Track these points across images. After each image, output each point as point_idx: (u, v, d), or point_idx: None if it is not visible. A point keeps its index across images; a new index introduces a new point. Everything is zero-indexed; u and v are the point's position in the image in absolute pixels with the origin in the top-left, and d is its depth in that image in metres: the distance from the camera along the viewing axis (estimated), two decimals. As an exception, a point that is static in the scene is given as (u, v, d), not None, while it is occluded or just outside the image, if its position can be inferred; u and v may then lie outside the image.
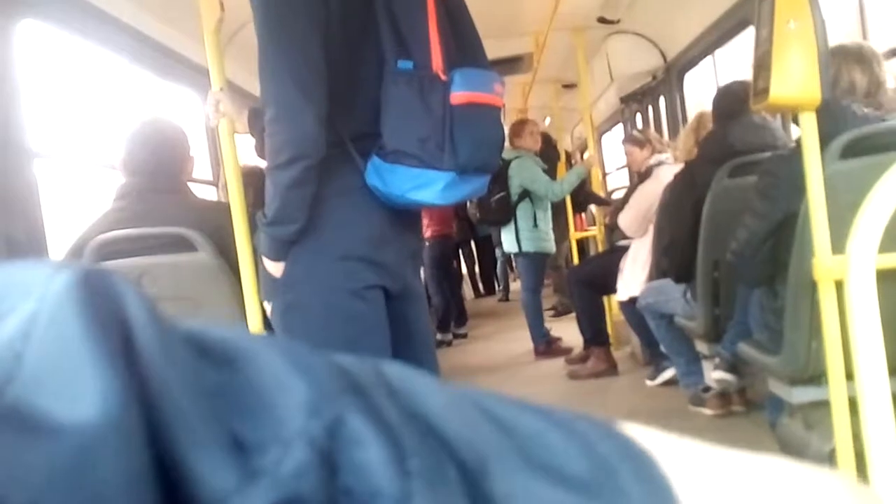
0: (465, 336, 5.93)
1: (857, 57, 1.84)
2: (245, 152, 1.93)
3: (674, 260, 2.86)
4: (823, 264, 1.57)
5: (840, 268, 1.45)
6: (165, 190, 1.93)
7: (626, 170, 5.23)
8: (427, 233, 5.40)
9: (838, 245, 1.41)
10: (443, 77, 1.37)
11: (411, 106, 1.37)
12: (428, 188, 1.38)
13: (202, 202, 2.06)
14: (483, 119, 1.41)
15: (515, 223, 4.59)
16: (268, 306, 1.51)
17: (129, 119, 2.05)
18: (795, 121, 1.67)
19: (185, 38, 2.84)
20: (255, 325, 1.76)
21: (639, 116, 5.29)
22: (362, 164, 1.41)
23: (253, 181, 2.67)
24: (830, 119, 1.72)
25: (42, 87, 2.77)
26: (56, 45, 2.40)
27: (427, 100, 1.36)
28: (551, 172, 4.83)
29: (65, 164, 2.37)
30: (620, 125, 5.91)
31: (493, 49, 4.60)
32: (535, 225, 4.59)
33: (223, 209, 1.86)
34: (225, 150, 1.80)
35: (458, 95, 1.37)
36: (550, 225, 4.70)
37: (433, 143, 1.36)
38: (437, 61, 1.38)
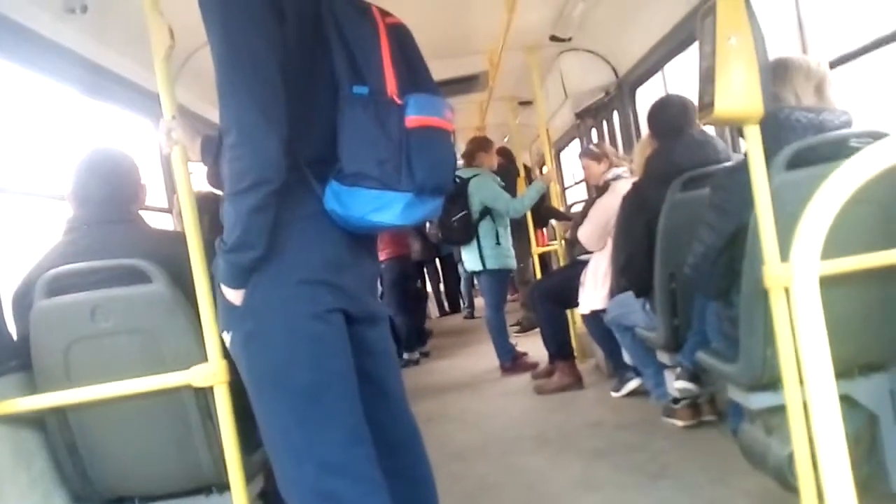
0: (427, 354, 5.93)
1: (781, 73, 1.89)
2: (199, 179, 1.91)
3: (631, 277, 2.90)
4: (773, 272, 1.61)
5: (789, 275, 1.48)
6: (117, 220, 1.89)
7: (584, 184, 5.29)
8: (383, 255, 5.39)
9: (789, 254, 1.45)
10: (398, 101, 1.40)
11: (369, 129, 1.39)
12: (388, 210, 1.39)
13: (155, 232, 2.02)
14: (437, 142, 1.44)
15: (478, 241, 4.61)
16: (227, 336, 1.48)
17: (79, 149, 2.02)
18: (741, 133, 1.71)
19: (136, 67, 2.81)
20: (213, 355, 1.73)
21: (594, 131, 5.37)
22: (319, 189, 1.42)
23: (209, 207, 2.64)
24: (773, 130, 1.77)
25: (-12, 119, 2.71)
26: (2, 76, 2.35)
27: (384, 123, 1.38)
28: (511, 188, 4.87)
29: (12, 197, 2.31)
30: (577, 140, 5.99)
31: (449, 68, 4.69)
32: (498, 242, 4.62)
33: (177, 238, 1.83)
34: (178, 178, 1.78)
35: (412, 119, 1.39)
36: (510, 241, 4.74)
37: (391, 165, 1.38)
38: (391, 86, 1.40)
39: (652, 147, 2.90)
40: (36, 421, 1.85)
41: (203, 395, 1.80)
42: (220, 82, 1.33)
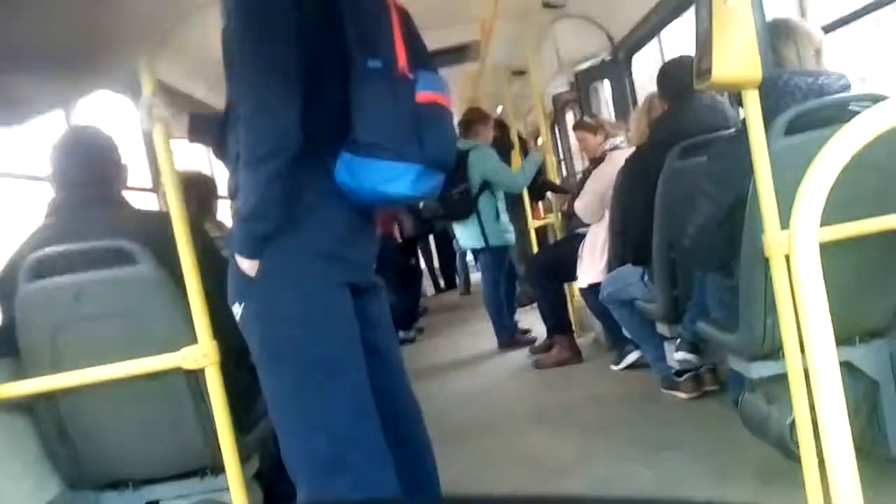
0: (421, 330, 5.94)
1: (785, 32, 1.86)
2: (183, 158, 1.87)
3: (629, 242, 2.86)
4: (773, 239, 1.58)
5: (789, 242, 1.45)
6: (98, 201, 1.85)
7: (579, 155, 5.23)
8: None
9: (789, 221, 1.42)
10: (409, 76, 1.46)
11: (383, 101, 1.43)
12: (400, 180, 1.44)
13: (139, 212, 1.98)
14: (443, 118, 1.50)
15: (478, 217, 4.49)
16: (237, 308, 1.50)
17: (57, 128, 1.97)
18: (739, 101, 1.67)
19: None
20: (203, 336, 1.70)
21: (591, 100, 5.30)
22: (330, 162, 1.45)
23: (197, 188, 2.60)
24: (773, 96, 1.73)
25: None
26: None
27: (397, 96, 1.44)
28: (505, 160, 4.80)
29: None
30: (571, 110, 5.93)
31: (439, 38, 4.60)
32: (498, 217, 4.53)
33: (162, 218, 1.80)
34: (161, 156, 1.74)
35: (423, 94, 1.46)
36: (508, 216, 4.66)
37: (403, 137, 1.43)
38: (402, 61, 1.46)
39: (658, 110, 2.85)
40: (26, 407, 1.83)
41: (194, 377, 1.77)
42: (239, 52, 1.37)
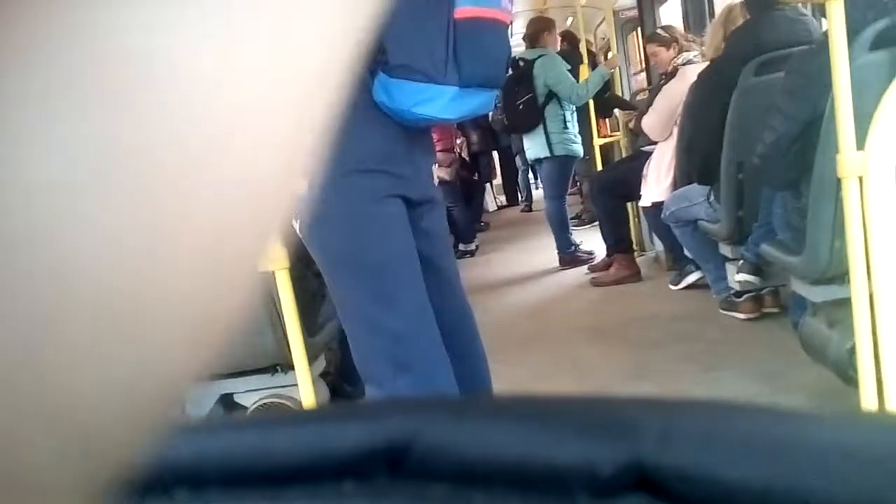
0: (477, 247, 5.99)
1: None
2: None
3: (696, 160, 2.80)
4: (847, 160, 1.53)
5: (864, 164, 1.41)
6: None
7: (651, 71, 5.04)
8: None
9: (866, 142, 1.37)
10: None
11: (417, 19, 1.38)
12: (433, 102, 1.40)
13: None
14: (488, 35, 1.43)
15: (544, 125, 4.41)
16: (295, 224, 1.54)
17: None
18: (823, 13, 1.59)
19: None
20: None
21: (662, 14, 5.06)
22: (369, 80, 1.42)
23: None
24: (860, 7, 1.64)
25: None
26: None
27: (433, 13, 1.38)
28: (574, 74, 4.67)
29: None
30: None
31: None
32: (566, 127, 4.43)
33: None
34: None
35: (462, 10, 1.38)
36: (577, 128, 4.57)
37: (437, 58, 1.38)
38: None
39: (737, 22, 2.73)
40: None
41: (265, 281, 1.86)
42: None
